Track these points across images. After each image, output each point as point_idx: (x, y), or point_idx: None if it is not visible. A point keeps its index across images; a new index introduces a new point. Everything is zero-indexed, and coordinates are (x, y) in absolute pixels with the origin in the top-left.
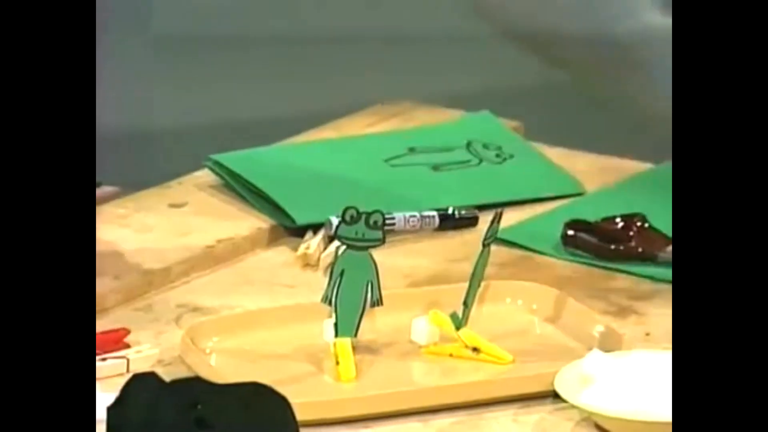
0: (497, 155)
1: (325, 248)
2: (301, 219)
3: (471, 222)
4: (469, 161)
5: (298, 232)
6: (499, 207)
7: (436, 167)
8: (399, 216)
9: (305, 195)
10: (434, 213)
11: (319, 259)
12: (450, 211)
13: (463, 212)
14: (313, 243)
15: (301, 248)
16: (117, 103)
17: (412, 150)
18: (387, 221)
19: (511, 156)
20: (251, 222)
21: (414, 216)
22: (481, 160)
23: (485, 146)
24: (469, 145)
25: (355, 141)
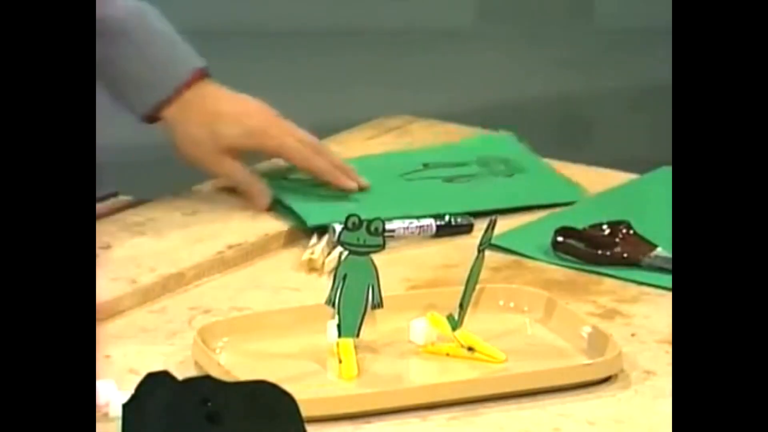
0: (507, 169)
1: (328, 254)
2: (312, 221)
3: (466, 229)
4: (479, 174)
5: (304, 238)
6: (496, 214)
7: (448, 179)
8: (398, 224)
9: (321, 204)
10: (431, 221)
11: (323, 264)
12: (446, 218)
13: (458, 220)
14: (317, 249)
15: (306, 254)
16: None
17: (426, 165)
18: (387, 230)
19: (522, 170)
20: (260, 229)
21: (412, 224)
22: (493, 173)
23: (496, 161)
24: (480, 160)
25: (373, 159)
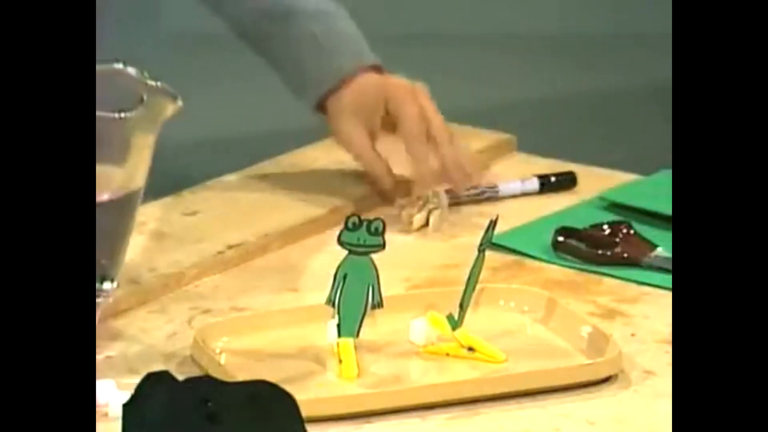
0: None
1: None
2: None
3: (569, 184)
4: None
5: (304, 238)
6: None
7: None
8: (502, 185)
9: None
10: (534, 178)
11: (413, 221)
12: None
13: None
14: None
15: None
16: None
17: None
18: (491, 190)
19: None
20: (259, 229)
21: (515, 183)
22: None
23: None
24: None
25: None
